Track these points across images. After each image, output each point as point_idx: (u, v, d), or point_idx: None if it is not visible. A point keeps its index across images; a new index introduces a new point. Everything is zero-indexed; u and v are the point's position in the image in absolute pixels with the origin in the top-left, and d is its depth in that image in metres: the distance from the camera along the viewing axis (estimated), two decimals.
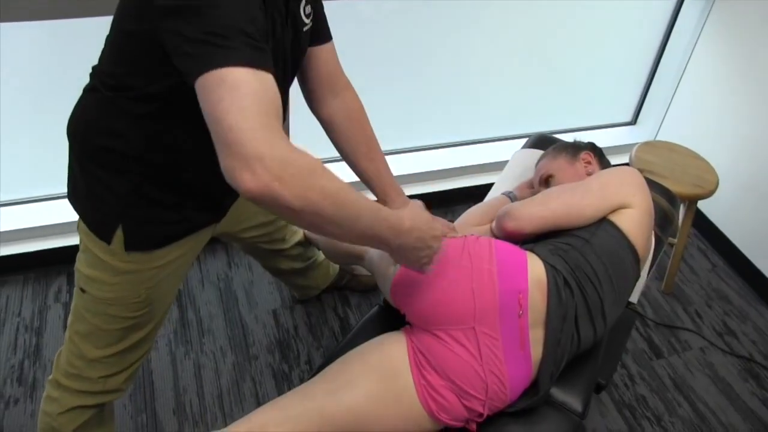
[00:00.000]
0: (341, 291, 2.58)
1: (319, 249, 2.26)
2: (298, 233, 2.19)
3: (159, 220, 1.42)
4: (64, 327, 2.30)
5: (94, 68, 1.36)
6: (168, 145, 1.32)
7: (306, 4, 1.34)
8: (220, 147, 0.98)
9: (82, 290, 1.50)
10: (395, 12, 2.60)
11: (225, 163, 0.97)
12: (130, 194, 1.36)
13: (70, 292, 2.43)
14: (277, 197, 0.97)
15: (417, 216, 1.29)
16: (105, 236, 1.40)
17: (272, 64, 1.06)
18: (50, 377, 1.65)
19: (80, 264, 1.50)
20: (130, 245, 1.41)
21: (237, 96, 0.97)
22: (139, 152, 1.32)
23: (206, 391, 2.19)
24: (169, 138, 1.30)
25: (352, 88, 1.65)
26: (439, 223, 1.44)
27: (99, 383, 1.60)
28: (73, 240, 2.48)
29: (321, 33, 1.52)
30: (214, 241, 2.40)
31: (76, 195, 1.44)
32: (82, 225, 1.45)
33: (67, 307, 2.38)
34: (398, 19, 2.64)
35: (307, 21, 1.37)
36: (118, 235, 1.39)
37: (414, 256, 1.32)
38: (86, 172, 1.38)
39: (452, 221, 1.79)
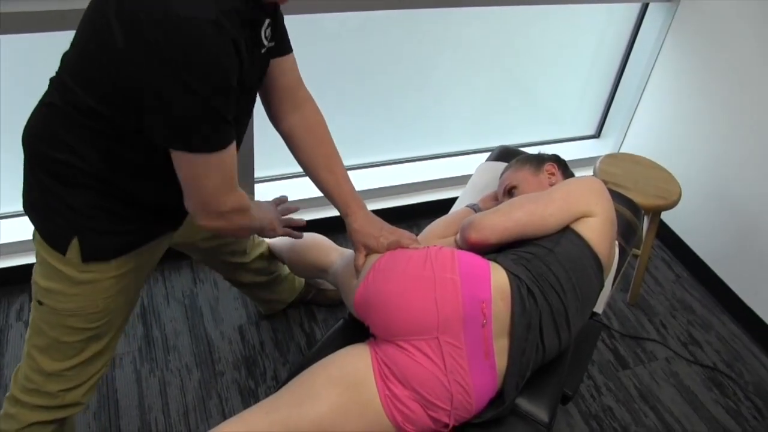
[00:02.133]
0: (307, 306, 2.56)
1: (284, 263, 2.25)
2: (261, 246, 2.18)
3: (115, 231, 1.41)
4: None
5: (52, 80, 1.35)
6: (125, 161, 1.32)
7: (267, 27, 1.34)
8: (197, 203, 1.32)
9: (40, 303, 1.48)
10: (359, 27, 2.61)
11: (195, 208, 1.34)
12: (84, 207, 1.36)
13: None
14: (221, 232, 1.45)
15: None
16: (60, 247, 1.39)
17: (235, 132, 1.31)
18: (8, 394, 1.62)
19: (37, 276, 1.48)
20: (87, 256, 1.40)
21: (218, 173, 1.28)
22: (95, 168, 1.32)
23: (172, 408, 2.16)
24: (126, 154, 1.30)
25: (313, 101, 1.65)
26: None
27: (58, 397, 1.57)
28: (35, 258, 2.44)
29: (280, 45, 1.51)
30: (178, 257, 2.37)
31: (30, 206, 1.43)
32: (38, 236, 1.43)
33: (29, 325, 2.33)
34: (362, 35, 2.65)
35: (266, 43, 1.37)
36: (74, 245, 1.38)
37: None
38: (40, 184, 1.37)
39: (416, 235, 1.79)
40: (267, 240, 2.25)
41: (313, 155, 1.63)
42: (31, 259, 2.44)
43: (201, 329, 2.42)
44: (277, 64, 1.52)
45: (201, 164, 1.25)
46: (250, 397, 2.22)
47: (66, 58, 1.32)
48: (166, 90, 1.14)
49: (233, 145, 1.29)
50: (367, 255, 1.63)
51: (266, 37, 1.35)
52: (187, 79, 1.12)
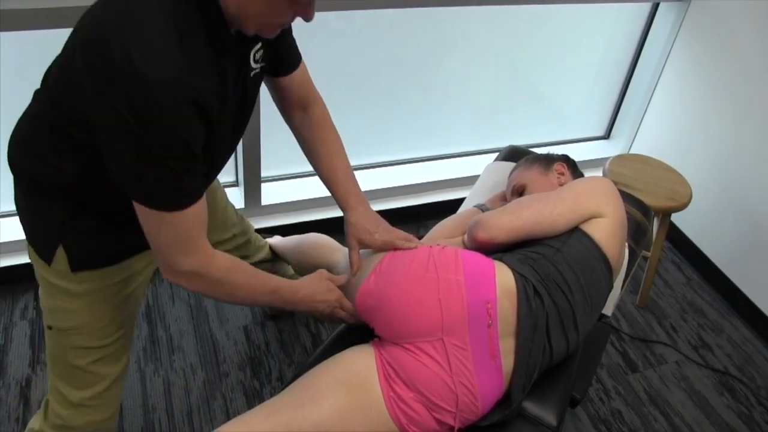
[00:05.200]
0: None
1: (288, 263, 2.23)
2: (264, 250, 2.17)
3: (103, 237, 1.37)
4: (30, 345, 2.25)
5: (37, 91, 1.32)
6: (100, 181, 1.28)
7: (258, 50, 1.31)
8: (155, 253, 1.27)
9: (49, 327, 1.44)
10: (366, 26, 2.60)
11: (155, 258, 1.29)
12: (68, 218, 1.33)
13: (37, 309, 2.38)
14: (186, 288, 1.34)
15: (311, 287, 1.54)
16: (46, 256, 1.35)
17: (203, 188, 1.26)
18: (36, 428, 1.57)
19: (41, 298, 1.44)
20: (76, 265, 1.36)
21: (171, 232, 1.22)
22: (70, 182, 1.29)
23: (176, 408, 2.14)
24: (100, 176, 1.26)
25: (321, 101, 1.64)
26: (335, 291, 1.58)
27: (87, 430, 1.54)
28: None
29: (289, 61, 1.50)
30: None
31: (21, 216, 1.40)
32: (31, 251, 1.40)
33: (33, 324, 2.32)
34: (369, 34, 2.63)
35: (255, 66, 1.34)
36: (60, 254, 1.34)
37: (312, 312, 1.56)
38: (22, 190, 1.35)
39: (423, 235, 1.76)
40: (269, 240, 2.24)
41: (319, 151, 1.63)
42: None
43: (206, 329, 2.41)
44: (290, 79, 1.52)
45: (152, 219, 1.20)
46: (254, 398, 2.20)
47: (48, 72, 1.29)
48: (120, 143, 1.11)
49: (195, 207, 1.22)
50: (361, 249, 1.62)
51: (255, 60, 1.32)
52: (142, 139, 1.08)
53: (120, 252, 1.43)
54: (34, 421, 1.59)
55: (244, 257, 2.06)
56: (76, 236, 1.35)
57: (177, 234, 1.22)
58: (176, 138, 1.11)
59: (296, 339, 2.42)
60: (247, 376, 2.26)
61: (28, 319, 2.34)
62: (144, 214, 1.20)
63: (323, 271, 1.59)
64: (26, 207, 1.36)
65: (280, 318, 2.48)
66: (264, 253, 2.16)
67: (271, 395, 2.18)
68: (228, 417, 2.13)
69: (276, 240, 2.25)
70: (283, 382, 2.25)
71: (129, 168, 1.14)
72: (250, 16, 1.16)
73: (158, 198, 1.17)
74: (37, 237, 1.38)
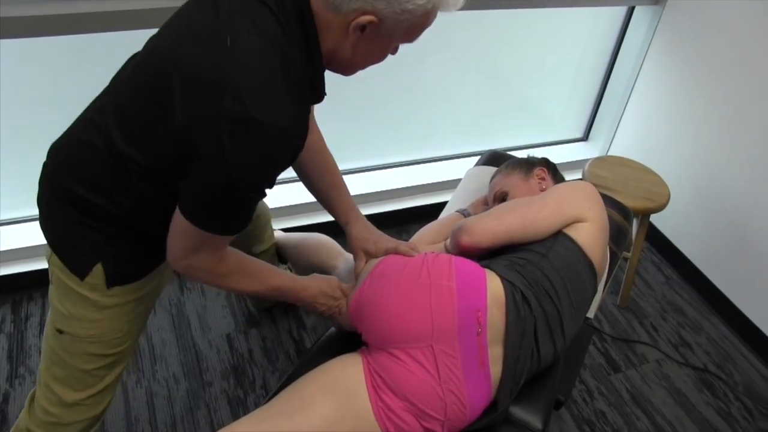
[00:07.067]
0: (296, 312, 2.53)
1: (284, 260, 2.23)
2: (271, 241, 2.19)
3: (141, 254, 1.39)
4: (8, 359, 2.22)
5: (92, 118, 1.30)
6: (158, 217, 1.30)
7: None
8: (168, 246, 1.30)
9: (60, 331, 1.42)
10: None
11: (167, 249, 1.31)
12: (113, 240, 1.34)
13: (14, 322, 2.35)
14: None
15: (317, 290, 1.57)
16: (80, 272, 1.35)
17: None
18: (22, 425, 1.55)
19: (57, 302, 1.42)
20: (112, 280, 1.37)
21: (202, 241, 1.25)
22: (125, 213, 1.31)
23: (159, 419, 2.12)
24: (160, 207, 1.29)
25: (318, 130, 1.67)
26: (337, 287, 1.62)
27: (77, 426, 1.53)
28: (19, 268, 2.40)
29: None
30: None
31: (49, 231, 1.38)
32: (55, 258, 1.38)
33: (11, 337, 2.29)
34: None
35: None
36: (98, 270, 1.35)
37: (312, 309, 1.61)
38: (62, 213, 1.34)
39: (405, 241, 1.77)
40: (276, 234, 2.24)
41: (322, 173, 1.68)
42: (13, 269, 2.40)
43: (188, 338, 2.39)
44: None
45: (190, 230, 1.23)
46: (239, 407, 2.18)
47: (111, 96, 1.28)
48: (206, 174, 1.13)
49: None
50: (366, 261, 1.64)
51: None
52: (237, 179, 1.12)
53: (152, 265, 1.45)
54: (20, 419, 1.57)
55: (257, 242, 2.11)
56: (117, 256, 1.36)
57: (204, 243, 1.26)
58: (267, 181, 1.17)
59: (279, 346, 2.41)
60: (231, 385, 2.25)
61: (5, 333, 2.31)
62: (185, 226, 1.22)
63: (335, 278, 1.63)
64: (64, 224, 1.35)
65: (263, 325, 2.47)
66: (269, 245, 2.19)
67: (256, 404, 2.18)
68: (212, 426, 2.12)
69: (278, 235, 2.25)
70: (268, 390, 2.24)
71: (202, 195, 1.17)
72: (361, 61, 1.29)
73: (215, 225, 1.22)
74: (73, 253, 1.36)
